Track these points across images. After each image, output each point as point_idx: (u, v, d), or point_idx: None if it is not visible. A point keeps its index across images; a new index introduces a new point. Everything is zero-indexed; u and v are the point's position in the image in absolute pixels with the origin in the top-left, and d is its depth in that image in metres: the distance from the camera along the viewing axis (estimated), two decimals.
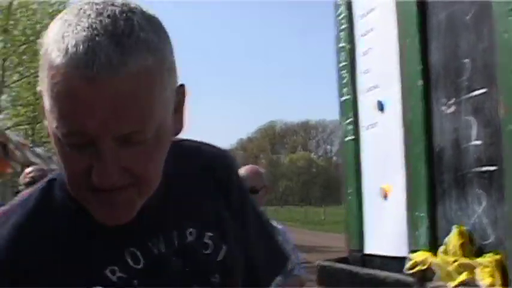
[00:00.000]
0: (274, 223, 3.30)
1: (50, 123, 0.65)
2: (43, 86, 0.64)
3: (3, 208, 0.74)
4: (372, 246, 2.14)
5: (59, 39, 0.63)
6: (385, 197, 2.07)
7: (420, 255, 1.74)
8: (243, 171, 3.27)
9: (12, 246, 0.68)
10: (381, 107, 2.11)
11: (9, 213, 0.71)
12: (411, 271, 1.74)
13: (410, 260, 1.76)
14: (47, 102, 0.63)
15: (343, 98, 2.36)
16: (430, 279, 1.66)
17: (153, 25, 0.67)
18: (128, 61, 0.63)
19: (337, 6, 2.41)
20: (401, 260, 1.81)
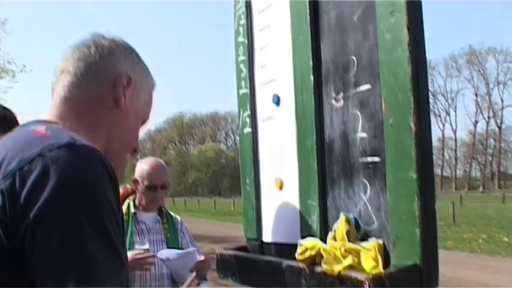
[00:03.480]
0: (172, 213, 3.34)
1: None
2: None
3: None
4: (269, 235, 2.22)
5: None
6: (281, 188, 2.15)
7: (310, 242, 1.84)
8: (147, 166, 3.26)
9: None
10: (276, 100, 2.19)
11: None
12: (302, 257, 1.82)
13: (301, 245, 1.85)
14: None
15: (241, 92, 2.42)
16: (320, 264, 1.76)
17: None
18: None
19: (236, 1, 2.47)
20: (295, 247, 1.89)
